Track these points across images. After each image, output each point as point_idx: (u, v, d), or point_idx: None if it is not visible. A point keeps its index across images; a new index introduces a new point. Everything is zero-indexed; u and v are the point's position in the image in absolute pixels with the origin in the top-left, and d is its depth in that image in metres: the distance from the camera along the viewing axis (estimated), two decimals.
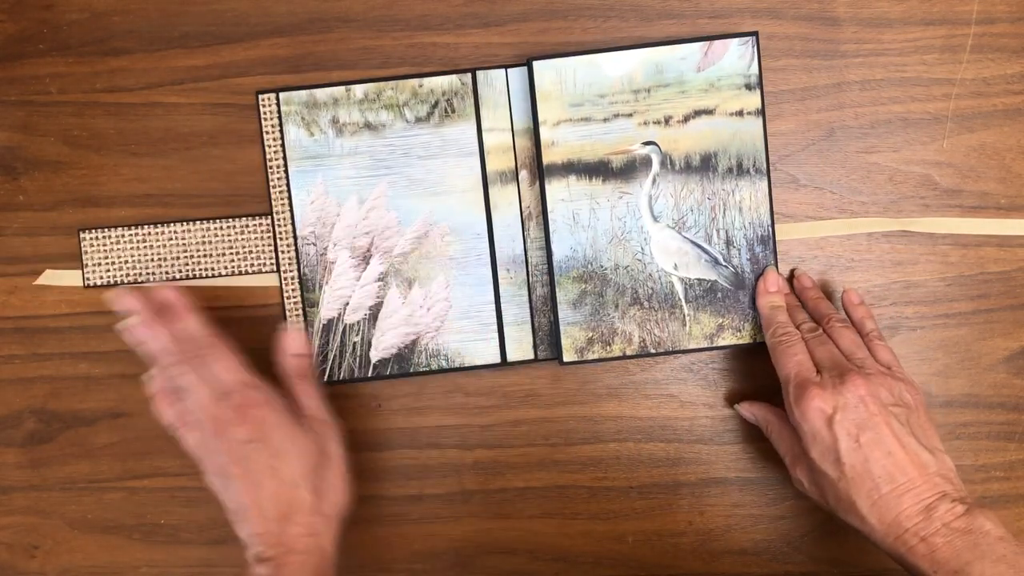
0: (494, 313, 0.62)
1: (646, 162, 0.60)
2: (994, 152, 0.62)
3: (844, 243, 0.62)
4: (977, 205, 0.62)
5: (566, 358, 0.61)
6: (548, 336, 0.63)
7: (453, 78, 0.61)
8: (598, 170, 0.60)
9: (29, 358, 0.64)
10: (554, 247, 0.61)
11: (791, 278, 0.62)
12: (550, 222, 0.60)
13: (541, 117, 0.60)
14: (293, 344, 0.59)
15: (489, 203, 0.62)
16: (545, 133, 0.60)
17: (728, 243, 0.61)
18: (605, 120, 0.60)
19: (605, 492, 0.64)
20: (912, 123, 0.62)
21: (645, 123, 0.60)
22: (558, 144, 0.60)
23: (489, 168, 0.62)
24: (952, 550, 0.48)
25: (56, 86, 0.63)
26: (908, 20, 0.61)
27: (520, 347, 0.63)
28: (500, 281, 0.62)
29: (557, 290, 0.61)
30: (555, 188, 0.60)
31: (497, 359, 0.63)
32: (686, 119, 0.60)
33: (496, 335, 0.62)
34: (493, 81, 0.61)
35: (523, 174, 0.62)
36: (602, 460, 0.64)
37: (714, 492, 0.63)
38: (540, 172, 0.60)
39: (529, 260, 0.62)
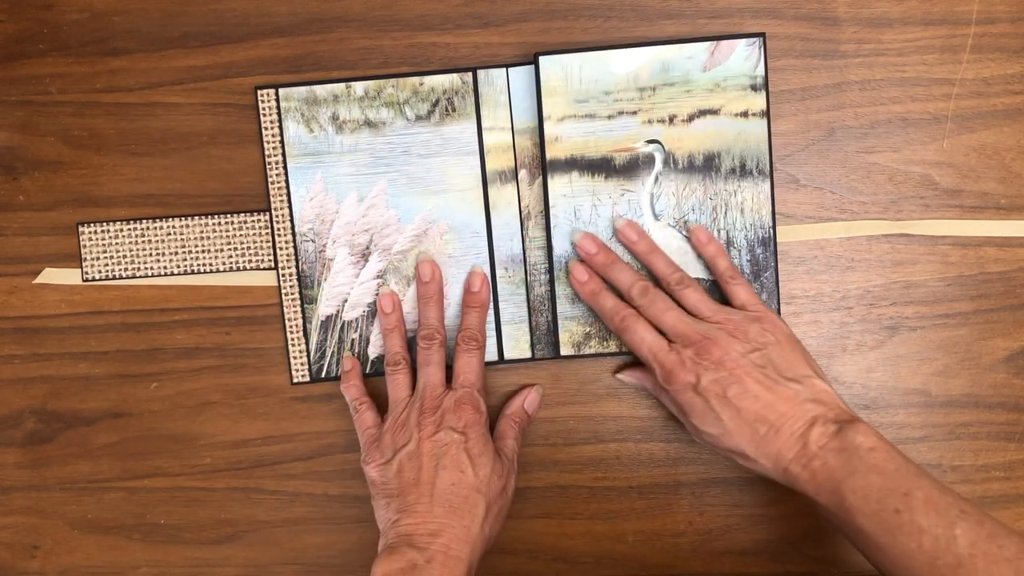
0: (492, 311, 0.62)
1: (649, 160, 0.60)
2: (994, 152, 0.62)
3: (844, 243, 0.62)
4: (977, 205, 0.62)
5: (563, 352, 0.61)
6: (546, 335, 0.63)
7: (454, 76, 0.61)
8: (601, 167, 0.60)
9: (29, 358, 0.64)
10: (555, 243, 0.61)
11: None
12: (551, 218, 0.60)
13: (545, 112, 0.60)
14: (532, 402, 0.62)
15: (488, 202, 0.62)
16: (549, 128, 0.60)
17: (728, 243, 0.61)
18: (609, 117, 0.60)
19: (605, 492, 0.64)
20: (912, 123, 0.62)
21: (649, 121, 0.60)
22: (562, 140, 0.60)
23: (489, 167, 0.62)
24: (828, 471, 0.51)
25: (56, 86, 0.63)
26: (908, 20, 0.61)
27: (517, 346, 0.63)
28: (498, 280, 0.62)
29: (556, 285, 0.61)
30: (557, 184, 0.60)
31: (494, 357, 0.63)
32: (691, 118, 0.60)
33: (494, 333, 0.62)
34: (494, 80, 0.61)
35: (522, 174, 0.62)
36: (602, 460, 0.64)
37: (714, 492, 0.63)
38: (543, 167, 0.60)
39: (527, 259, 0.62)
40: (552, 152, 0.60)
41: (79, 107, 0.63)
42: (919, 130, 0.62)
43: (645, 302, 0.57)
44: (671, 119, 0.60)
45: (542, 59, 0.59)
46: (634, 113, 0.60)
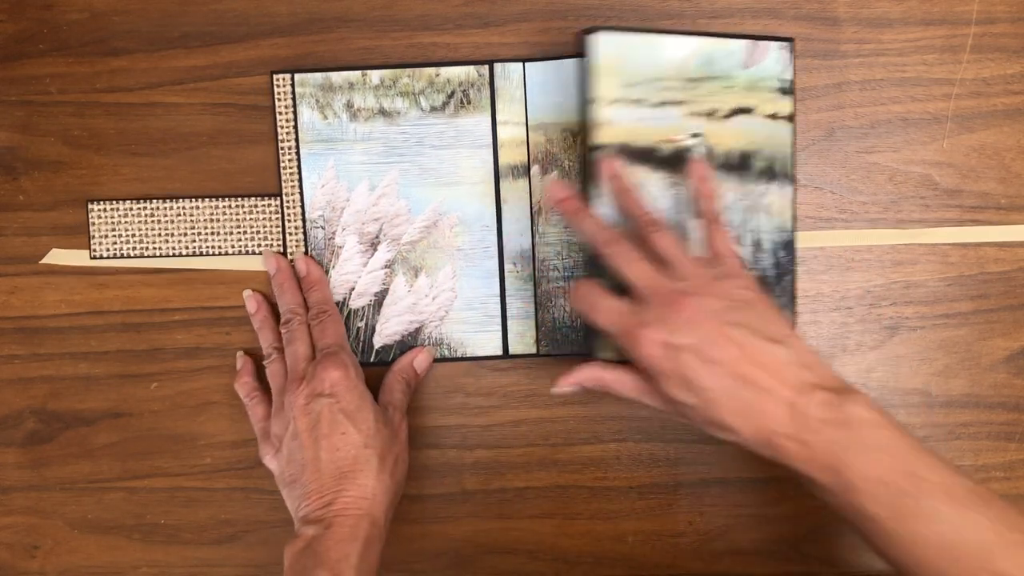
0: (499, 306, 0.62)
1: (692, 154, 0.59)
2: (994, 152, 0.62)
3: None
4: (977, 205, 0.62)
5: (601, 355, 0.57)
6: (550, 332, 0.62)
7: (470, 69, 0.61)
8: (647, 157, 0.58)
9: (29, 358, 0.64)
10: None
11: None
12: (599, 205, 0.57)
13: (598, 93, 0.57)
14: (421, 361, 0.62)
15: (500, 196, 0.62)
16: (600, 111, 0.57)
17: (756, 246, 0.60)
18: (657, 105, 0.58)
19: (605, 492, 0.64)
20: (912, 123, 0.62)
21: (693, 114, 0.59)
22: (612, 124, 0.58)
23: (501, 161, 0.62)
24: (825, 445, 0.46)
25: (56, 86, 0.63)
26: (908, 20, 0.61)
27: (522, 341, 0.63)
28: (506, 274, 0.62)
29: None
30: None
31: (499, 351, 0.63)
32: (729, 115, 0.59)
33: (499, 328, 0.62)
34: (510, 74, 0.61)
35: (535, 169, 0.62)
36: (602, 460, 0.64)
37: (714, 492, 0.63)
38: (584, 149, 0.58)
39: (536, 255, 0.62)
40: (602, 137, 0.57)
41: (79, 107, 0.63)
42: (919, 130, 0.62)
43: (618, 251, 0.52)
44: (712, 113, 0.59)
45: (601, 36, 0.56)
46: (679, 103, 0.58)
